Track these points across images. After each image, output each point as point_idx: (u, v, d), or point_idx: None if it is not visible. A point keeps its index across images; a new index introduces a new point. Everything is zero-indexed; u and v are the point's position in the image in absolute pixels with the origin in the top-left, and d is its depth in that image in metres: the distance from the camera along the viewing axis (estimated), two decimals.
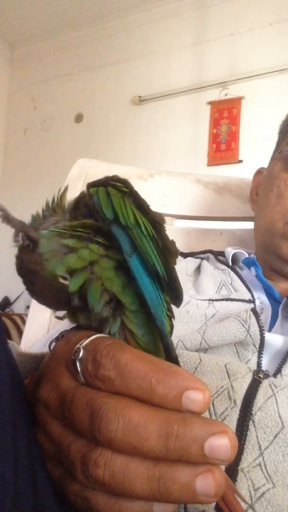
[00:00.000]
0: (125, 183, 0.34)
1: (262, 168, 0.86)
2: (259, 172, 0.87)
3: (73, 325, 0.34)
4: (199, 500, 0.23)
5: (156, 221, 0.33)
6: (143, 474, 0.23)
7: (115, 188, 0.32)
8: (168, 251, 0.32)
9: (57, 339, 0.33)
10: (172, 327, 0.34)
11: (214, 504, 0.35)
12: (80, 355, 0.27)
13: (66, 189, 0.36)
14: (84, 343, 0.28)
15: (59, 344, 0.32)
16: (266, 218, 0.74)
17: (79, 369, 0.27)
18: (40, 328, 0.88)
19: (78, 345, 0.28)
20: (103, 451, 0.24)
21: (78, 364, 0.27)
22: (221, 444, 0.23)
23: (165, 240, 0.33)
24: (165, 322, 0.31)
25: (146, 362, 0.25)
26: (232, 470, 0.37)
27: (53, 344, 0.33)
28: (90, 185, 0.34)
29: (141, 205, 0.32)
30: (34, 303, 0.92)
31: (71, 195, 0.36)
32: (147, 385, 0.24)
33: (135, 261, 0.30)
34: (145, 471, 0.23)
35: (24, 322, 2.39)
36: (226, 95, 2.76)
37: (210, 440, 0.23)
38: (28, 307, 3.02)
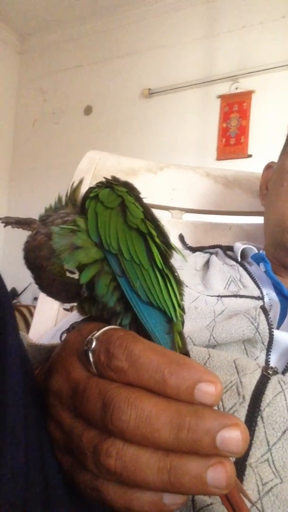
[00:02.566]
0: (117, 188, 0.34)
1: (272, 162, 0.85)
2: (269, 166, 0.86)
3: (83, 317, 0.35)
4: (210, 492, 0.23)
5: (145, 234, 0.32)
6: (155, 465, 0.24)
7: (103, 204, 0.32)
8: (158, 271, 0.32)
9: (68, 330, 0.33)
10: (183, 322, 0.34)
11: None
12: (93, 346, 0.27)
13: (80, 182, 0.36)
14: (96, 334, 0.28)
15: (70, 335, 0.32)
16: (276, 214, 0.73)
17: (91, 359, 0.27)
18: (48, 320, 0.88)
19: (90, 336, 0.28)
20: (115, 441, 0.25)
21: (90, 354, 0.27)
22: (232, 436, 0.23)
23: (154, 255, 0.32)
24: (165, 338, 0.31)
25: (159, 354, 0.25)
26: (240, 465, 0.37)
27: (64, 335, 0.33)
28: (91, 190, 0.34)
29: (126, 221, 0.32)
30: (43, 295, 0.92)
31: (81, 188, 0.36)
32: (160, 377, 0.25)
33: (125, 282, 0.31)
34: (156, 462, 0.24)
35: (31, 313, 2.40)
36: (236, 88, 2.73)
37: (222, 432, 0.23)
38: (35, 298, 3.04)
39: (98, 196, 0.33)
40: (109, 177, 0.36)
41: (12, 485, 0.24)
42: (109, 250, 0.31)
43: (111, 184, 0.34)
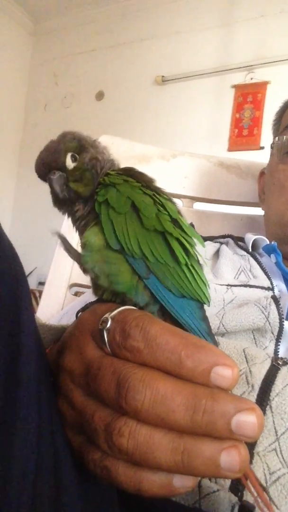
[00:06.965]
0: (120, 189, 0.33)
1: (263, 169, 0.88)
2: (262, 173, 0.89)
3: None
4: (222, 475, 0.23)
5: (165, 232, 0.32)
6: (168, 445, 0.24)
7: (114, 210, 0.32)
8: (184, 265, 0.32)
9: (82, 309, 0.33)
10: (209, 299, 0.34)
11: (228, 484, 0.35)
12: (108, 325, 0.27)
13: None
14: (112, 314, 0.28)
15: (84, 314, 0.32)
16: (273, 211, 0.76)
17: (106, 339, 0.27)
18: (55, 304, 0.88)
19: (106, 315, 0.28)
20: (128, 421, 0.24)
21: (105, 334, 0.27)
22: (248, 420, 0.23)
23: (176, 252, 0.32)
24: (201, 325, 0.32)
25: (176, 335, 0.25)
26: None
27: (79, 314, 0.33)
28: (97, 190, 0.34)
29: (142, 224, 0.32)
30: (50, 280, 0.92)
31: None
32: (176, 358, 0.24)
33: (152, 281, 0.31)
34: (169, 443, 0.24)
35: (35, 298, 2.41)
36: (251, 79, 2.69)
37: (237, 416, 0.23)
38: (40, 283, 3.04)
39: (107, 200, 0.33)
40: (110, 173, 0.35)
41: (24, 460, 0.24)
42: (132, 256, 0.31)
43: (114, 184, 0.33)
